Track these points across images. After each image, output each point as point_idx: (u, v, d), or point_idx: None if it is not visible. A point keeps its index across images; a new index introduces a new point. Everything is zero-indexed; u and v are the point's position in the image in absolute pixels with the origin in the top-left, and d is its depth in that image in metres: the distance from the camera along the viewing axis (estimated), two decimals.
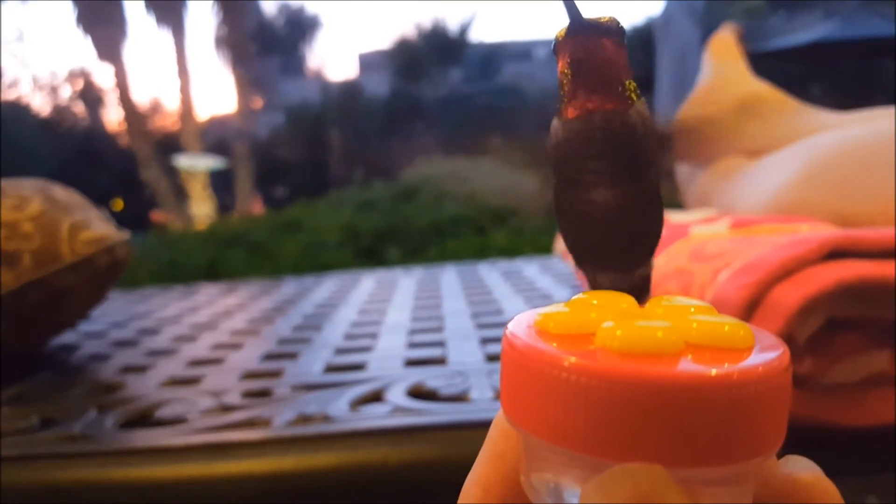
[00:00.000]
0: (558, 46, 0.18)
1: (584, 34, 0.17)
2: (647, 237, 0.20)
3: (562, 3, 0.17)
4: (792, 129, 0.64)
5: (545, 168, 0.21)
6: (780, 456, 0.14)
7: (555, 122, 0.19)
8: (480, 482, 0.15)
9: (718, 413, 0.11)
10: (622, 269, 0.20)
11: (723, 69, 0.75)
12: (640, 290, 0.20)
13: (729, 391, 0.11)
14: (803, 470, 0.13)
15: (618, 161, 0.18)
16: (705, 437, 0.11)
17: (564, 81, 0.18)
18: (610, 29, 0.18)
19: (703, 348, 0.13)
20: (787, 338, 0.32)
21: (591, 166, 0.18)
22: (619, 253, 0.19)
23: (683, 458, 0.11)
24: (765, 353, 0.12)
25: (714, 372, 0.11)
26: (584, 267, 0.20)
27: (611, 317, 0.13)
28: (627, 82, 0.18)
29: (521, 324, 0.14)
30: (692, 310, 0.14)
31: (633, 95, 0.18)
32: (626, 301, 0.15)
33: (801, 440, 0.24)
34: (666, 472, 0.11)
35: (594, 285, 0.20)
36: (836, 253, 0.34)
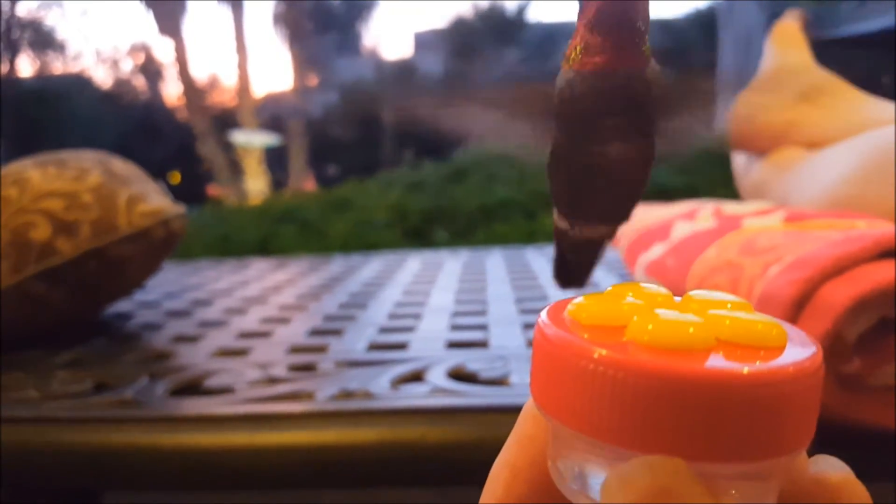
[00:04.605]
0: None
1: None
2: (642, 191, 0.20)
3: None
4: (854, 121, 0.62)
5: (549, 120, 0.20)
6: (810, 450, 0.13)
7: (570, 75, 0.19)
8: (509, 465, 0.15)
9: (745, 411, 0.11)
10: (615, 221, 0.20)
11: (785, 57, 0.73)
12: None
13: (756, 390, 0.11)
14: (832, 470, 0.13)
15: (635, 118, 0.18)
16: (730, 433, 0.11)
17: (587, 32, 0.18)
18: None
19: (735, 345, 0.13)
20: (836, 337, 0.31)
21: (608, 122, 0.18)
22: (620, 205, 0.20)
23: (707, 452, 0.11)
24: (796, 353, 0.12)
25: (743, 370, 0.11)
26: (576, 218, 0.21)
27: (643, 310, 0.13)
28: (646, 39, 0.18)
29: (553, 312, 0.14)
30: (728, 305, 0.14)
31: (647, 53, 0.18)
32: (660, 294, 0.15)
33: (843, 441, 0.24)
34: (687, 465, 0.11)
35: (581, 236, 0.20)
36: (892, 252, 0.33)
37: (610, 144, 0.18)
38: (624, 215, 0.20)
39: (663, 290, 0.15)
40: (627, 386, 0.12)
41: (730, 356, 0.12)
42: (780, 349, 0.13)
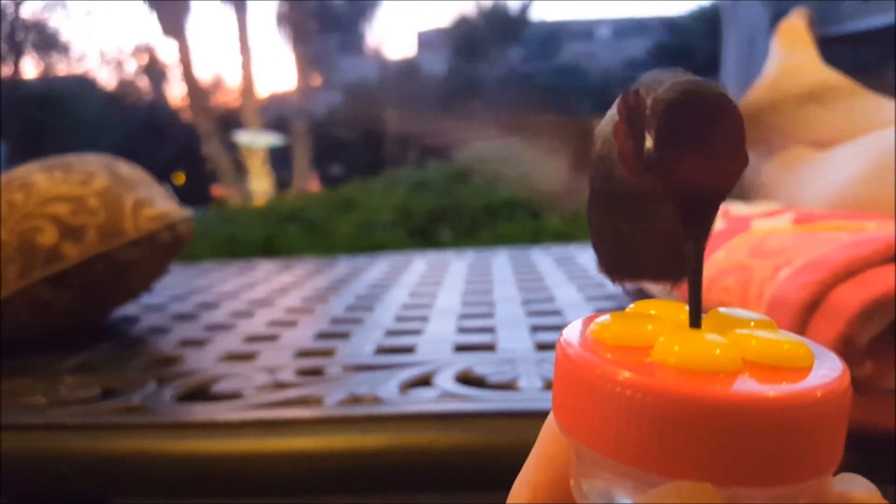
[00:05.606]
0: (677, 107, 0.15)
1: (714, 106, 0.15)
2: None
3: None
4: (862, 120, 0.62)
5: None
6: (836, 470, 0.13)
7: (613, 153, 0.17)
8: (530, 484, 0.15)
9: (773, 435, 0.11)
10: (663, 279, 0.19)
11: (791, 56, 0.72)
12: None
13: (785, 414, 0.11)
14: (858, 488, 0.13)
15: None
16: (759, 457, 0.11)
17: (649, 146, 0.15)
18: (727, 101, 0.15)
19: (762, 367, 0.12)
20: (848, 340, 0.31)
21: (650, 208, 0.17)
22: (667, 265, 0.19)
23: (736, 477, 0.11)
24: (824, 375, 0.12)
25: (771, 393, 0.11)
26: (617, 276, 0.20)
27: (668, 330, 0.13)
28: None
29: (576, 331, 0.14)
30: (752, 324, 0.14)
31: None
32: (684, 312, 0.15)
33: (856, 445, 0.23)
34: (716, 490, 0.11)
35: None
36: None
37: (654, 223, 0.17)
38: (673, 274, 0.19)
39: (686, 308, 0.15)
40: (655, 410, 0.11)
41: (757, 378, 0.12)
42: (807, 370, 0.12)
